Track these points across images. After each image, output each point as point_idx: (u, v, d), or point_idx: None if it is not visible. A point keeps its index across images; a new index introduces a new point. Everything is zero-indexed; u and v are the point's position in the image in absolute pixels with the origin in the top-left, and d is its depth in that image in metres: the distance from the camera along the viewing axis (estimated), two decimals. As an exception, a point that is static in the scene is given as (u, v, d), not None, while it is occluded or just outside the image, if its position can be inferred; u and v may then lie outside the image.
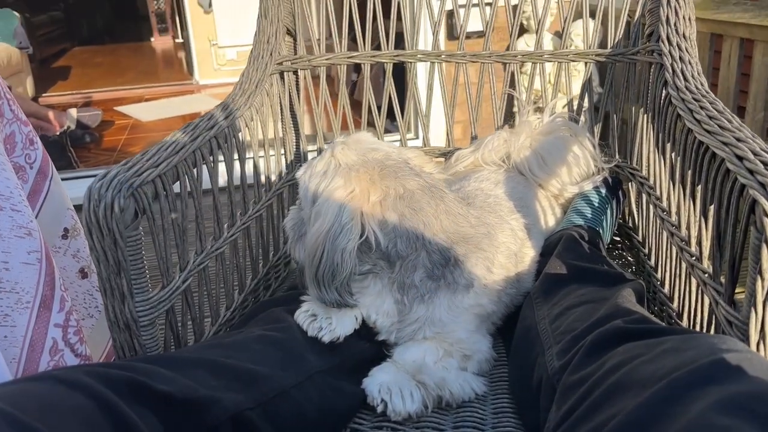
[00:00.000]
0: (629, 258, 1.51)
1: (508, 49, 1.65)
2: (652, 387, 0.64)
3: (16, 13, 4.84)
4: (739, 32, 2.49)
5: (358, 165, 1.06)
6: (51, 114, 3.96)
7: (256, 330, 1.05)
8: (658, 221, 1.30)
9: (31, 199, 1.17)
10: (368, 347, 1.15)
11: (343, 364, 1.08)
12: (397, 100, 1.64)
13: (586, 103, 1.59)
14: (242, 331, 1.07)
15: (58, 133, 3.96)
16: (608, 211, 1.48)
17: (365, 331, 1.14)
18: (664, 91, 1.25)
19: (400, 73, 1.72)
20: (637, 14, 1.45)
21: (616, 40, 1.50)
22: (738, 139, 0.87)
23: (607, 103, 1.53)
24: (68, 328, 1.07)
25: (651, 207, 1.34)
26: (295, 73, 1.58)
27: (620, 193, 1.53)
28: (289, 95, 1.58)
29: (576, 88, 1.66)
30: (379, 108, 1.66)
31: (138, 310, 0.97)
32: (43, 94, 5.40)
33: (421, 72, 2.64)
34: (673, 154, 1.16)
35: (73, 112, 4.19)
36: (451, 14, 1.61)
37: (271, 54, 1.48)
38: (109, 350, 1.36)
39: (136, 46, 7.92)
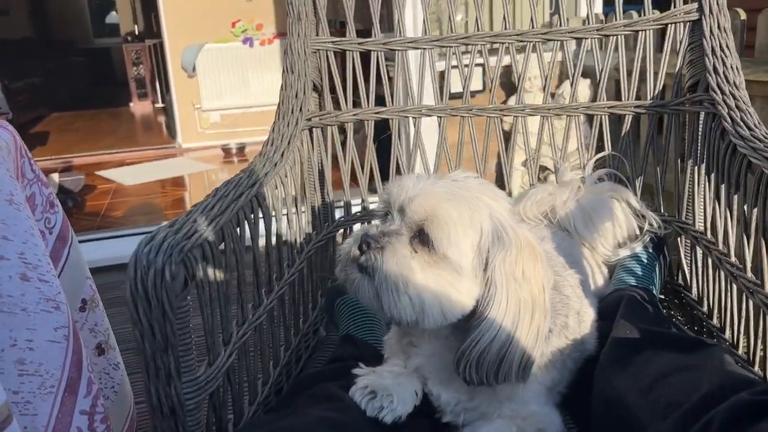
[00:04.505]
0: (679, 317, 1.43)
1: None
2: None
3: (-3, 79, 4.74)
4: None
5: (530, 239, 0.94)
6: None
7: (313, 411, 0.92)
8: (722, 277, 1.22)
9: (49, 268, 1.04)
10: (427, 426, 1.03)
11: (407, 446, 0.96)
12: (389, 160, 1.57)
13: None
14: (295, 411, 0.94)
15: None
16: (656, 269, 1.40)
17: (421, 406, 1.02)
18: (722, 141, 1.19)
19: (382, 132, 1.64)
20: (678, 66, 1.41)
21: (654, 92, 1.45)
22: None
23: (647, 156, 1.47)
24: (95, 415, 0.93)
25: (710, 262, 1.27)
26: (323, 129, 1.50)
27: (665, 249, 1.45)
28: (317, 152, 1.49)
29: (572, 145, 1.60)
30: (364, 168, 1.59)
31: (185, 392, 0.85)
32: (21, 160, 5.24)
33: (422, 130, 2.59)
34: (746, 206, 1.09)
35: (55, 177, 4.06)
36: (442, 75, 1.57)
37: (300, 109, 1.40)
38: (125, 435, 1.20)
39: (114, 111, 7.83)
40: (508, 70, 3.58)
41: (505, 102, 3.59)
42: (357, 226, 1.56)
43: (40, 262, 0.86)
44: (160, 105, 7.57)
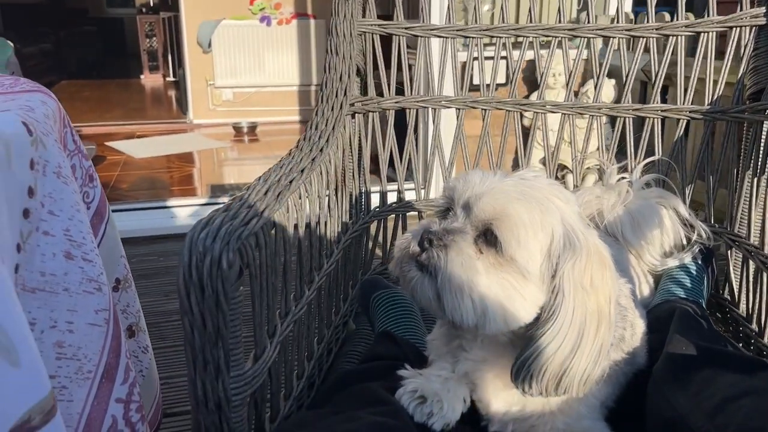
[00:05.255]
0: (724, 333, 1.38)
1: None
2: None
3: (11, 43, 4.65)
4: None
5: (599, 246, 0.89)
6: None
7: (363, 414, 0.87)
8: (779, 296, 1.17)
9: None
10: (471, 434, 0.98)
11: (455, 454, 0.91)
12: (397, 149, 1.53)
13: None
14: (341, 412, 0.89)
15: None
16: (704, 282, 1.35)
17: (468, 414, 0.98)
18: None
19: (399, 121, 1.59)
20: (740, 72, 1.35)
21: (714, 98, 1.39)
22: None
23: (701, 165, 1.42)
24: (131, 404, 0.88)
25: (765, 278, 1.22)
26: (365, 115, 1.44)
27: (714, 261, 1.40)
28: (359, 137, 1.43)
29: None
30: (403, 158, 1.53)
31: (233, 387, 0.80)
32: (30, 126, 5.16)
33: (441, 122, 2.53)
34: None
35: (66, 145, 3.98)
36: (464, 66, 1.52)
37: (345, 93, 1.34)
38: (150, 420, 1.15)
39: (125, 82, 7.74)
40: (531, 65, 3.54)
41: (527, 97, 3.53)
42: (392, 218, 1.51)
43: (85, 240, 0.80)
44: (171, 79, 7.47)
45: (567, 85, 1.48)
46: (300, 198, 1.02)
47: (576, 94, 3.62)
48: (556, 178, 1.58)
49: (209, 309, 0.75)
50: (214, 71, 5.56)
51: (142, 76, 7.92)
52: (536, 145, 1.66)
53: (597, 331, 0.87)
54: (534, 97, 3.01)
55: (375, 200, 1.54)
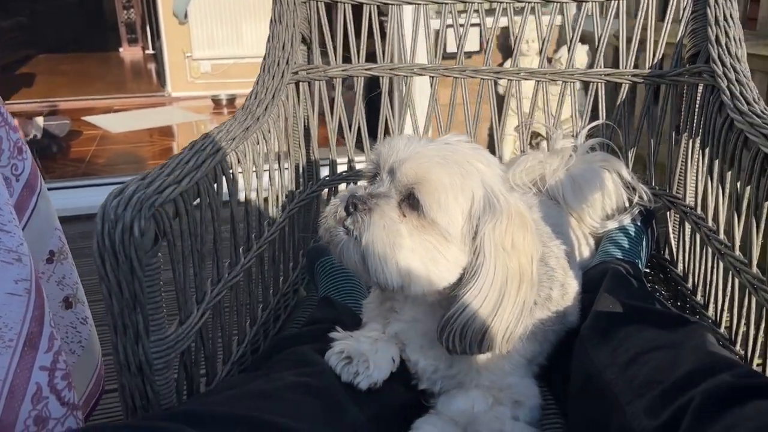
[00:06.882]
0: (663, 292, 1.41)
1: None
2: None
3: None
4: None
5: (520, 208, 0.91)
6: (16, 122, 3.72)
7: (287, 375, 0.90)
8: (709, 254, 1.20)
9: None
10: (403, 392, 1.01)
11: (382, 413, 0.94)
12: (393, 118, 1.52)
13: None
14: (269, 375, 0.92)
15: (23, 142, 3.71)
16: (643, 243, 1.37)
17: (398, 373, 1.00)
18: (719, 115, 1.16)
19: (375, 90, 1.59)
20: (679, 35, 1.36)
21: (654, 61, 1.40)
22: None
23: (642, 127, 1.43)
24: (56, 371, 0.89)
25: (698, 239, 1.24)
26: (310, 84, 1.44)
27: (654, 223, 1.43)
28: (303, 108, 1.43)
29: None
30: (352, 127, 1.54)
31: (154, 351, 0.82)
32: (6, 102, 5.10)
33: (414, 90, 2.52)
34: (739, 183, 1.06)
35: (40, 120, 3.96)
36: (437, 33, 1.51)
37: (287, 62, 1.34)
38: (90, 391, 1.17)
39: (103, 56, 7.62)
40: (505, 32, 3.47)
41: (501, 65, 3.51)
42: (342, 186, 1.52)
43: (2, 210, 0.82)
44: (150, 51, 7.37)
45: (540, 52, 1.49)
46: (231, 166, 1.03)
47: (549, 60, 3.60)
48: (531, 146, 1.59)
49: (124, 276, 0.77)
50: (191, 43, 5.49)
51: (120, 49, 7.80)
52: (510, 113, 1.66)
53: (518, 290, 0.89)
54: (508, 64, 3.00)
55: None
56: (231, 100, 5.23)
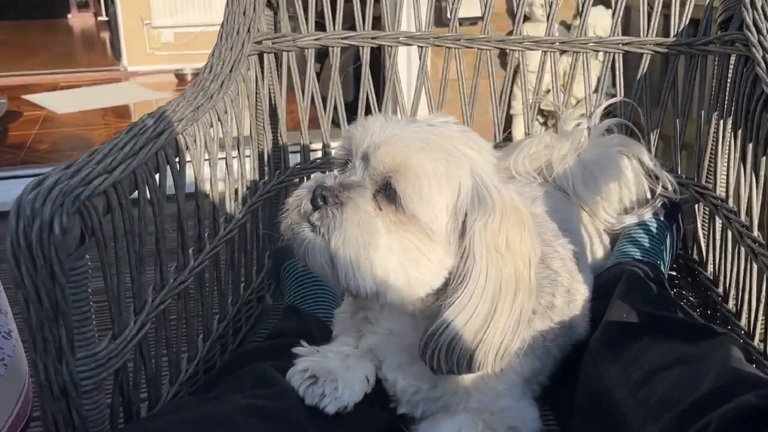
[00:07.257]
0: (691, 298, 1.41)
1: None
2: None
3: None
4: None
5: (516, 202, 0.91)
6: (-57, 101, 3.72)
7: (240, 397, 0.90)
8: (741, 254, 1.20)
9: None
10: (380, 417, 1.01)
11: (351, 440, 0.94)
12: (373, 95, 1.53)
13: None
14: (220, 397, 0.92)
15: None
16: (667, 241, 1.38)
17: (374, 394, 1.00)
18: (753, 91, 1.16)
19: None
20: (708, -2, 1.36)
21: (680, 29, 1.40)
22: None
23: (666, 105, 1.43)
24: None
25: (730, 236, 1.24)
26: (277, 55, 1.44)
27: (680, 217, 1.43)
28: (269, 82, 1.43)
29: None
30: (347, 104, 1.54)
31: (81, 371, 0.82)
32: (-67, 77, 5.12)
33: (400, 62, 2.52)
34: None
35: (-29, 99, 3.96)
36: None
37: (248, 30, 1.34)
38: (18, 414, 1.17)
39: (48, 23, 7.61)
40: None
41: (510, 33, 3.51)
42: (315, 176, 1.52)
43: None
44: (103, 18, 7.36)
45: (548, 17, 1.49)
46: (178, 153, 1.02)
47: (568, 27, 3.60)
48: (547, 126, 1.59)
49: (43, 282, 0.77)
50: (149, 8, 5.48)
51: (69, 16, 7.80)
52: (518, 90, 1.65)
53: (514, 298, 0.89)
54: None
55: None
56: (197, 74, 5.22)
